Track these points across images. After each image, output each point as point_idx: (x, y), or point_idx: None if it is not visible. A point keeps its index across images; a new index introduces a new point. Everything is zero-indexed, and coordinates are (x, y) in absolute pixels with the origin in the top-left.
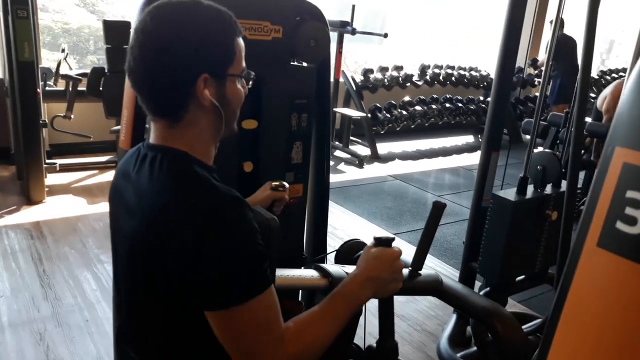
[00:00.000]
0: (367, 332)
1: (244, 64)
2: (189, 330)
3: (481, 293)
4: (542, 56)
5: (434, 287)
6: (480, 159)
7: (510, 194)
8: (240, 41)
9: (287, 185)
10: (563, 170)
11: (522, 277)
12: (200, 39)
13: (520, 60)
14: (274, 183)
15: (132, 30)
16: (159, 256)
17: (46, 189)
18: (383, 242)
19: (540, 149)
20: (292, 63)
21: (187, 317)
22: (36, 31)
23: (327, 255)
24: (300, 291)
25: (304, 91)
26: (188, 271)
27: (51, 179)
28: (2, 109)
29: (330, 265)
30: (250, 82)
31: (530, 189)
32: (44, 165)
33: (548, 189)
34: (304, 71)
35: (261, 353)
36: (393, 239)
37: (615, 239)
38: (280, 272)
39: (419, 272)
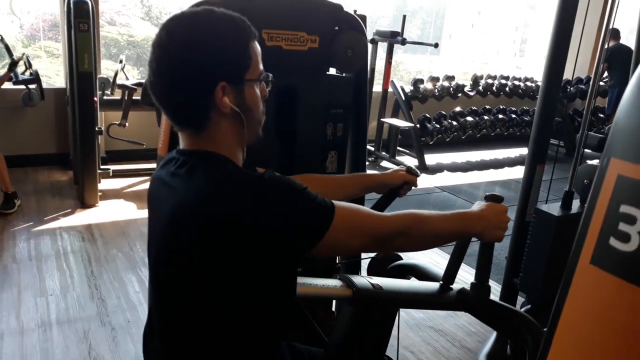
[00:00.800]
0: (401, 345)
1: (261, 67)
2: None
3: (522, 310)
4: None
5: (466, 302)
6: (524, 172)
7: (554, 208)
8: (256, 45)
9: (420, 173)
10: None
11: None
12: (215, 47)
13: (582, 71)
14: (409, 166)
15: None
16: (215, 241)
17: (99, 194)
18: (493, 198)
19: (596, 162)
20: (328, 73)
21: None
22: (96, 43)
23: (361, 261)
24: (334, 301)
25: (340, 101)
26: (270, 243)
27: (105, 184)
28: (64, 116)
29: (355, 276)
30: (270, 84)
31: (576, 203)
32: (98, 171)
33: None
34: (341, 80)
35: (373, 230)
36: (502, 198)
37: (608, 256)
38: (304, 281)
39: (450, 286)
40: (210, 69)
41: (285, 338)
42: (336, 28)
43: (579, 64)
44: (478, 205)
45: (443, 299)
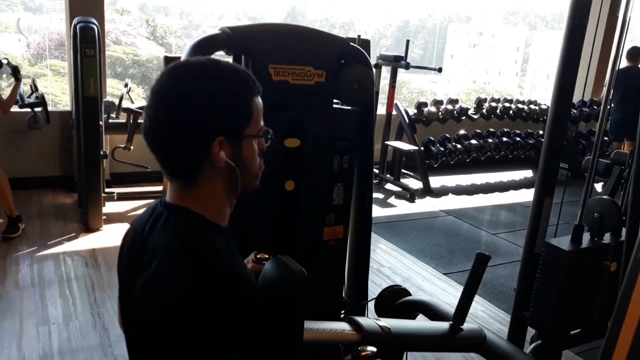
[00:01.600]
0: None
1: (262, 122)
2: None
3: (532, 346)
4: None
5: (477, 344)
6: (532, 203)
7: (564, 242)
8: (259, 100)
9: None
10: (624, 217)
11: (578, 330)
12: (216, 101)
13: (584, 92)
14: (258, 255)
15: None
16: (151, 320)
17: (104, 217)
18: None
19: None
20: (334, 105)
21: None
22: (102, 68)
23: (368, 303)
24: None
25: (345, 133)
26: (168, 335)
27: (109, 207)
28: (69, 139)
29: (363, 319)
30: (269, 141)
31: (586, 237)
32: (103, 195)
33: (606, 237)
34: (346, 113)
35: None
36: (373, 357)
37: None
38: (310, 325)
39: (461, 326)
40: (210, 123)
41: None
42: (342, 61)
43: (582, 86)
44: None
45: (454, 340)
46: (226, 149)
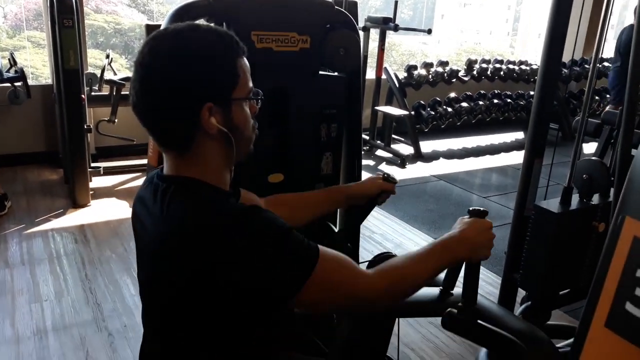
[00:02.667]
0: (401, 343)
1: (250, 84)
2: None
3: (522, 307)
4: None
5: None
6: (522, 166)
7: (553, 204)
8: (245, 61)
9: (396, 178)
10: (612, 178)
11: (567, 290)
12: (200, 67)
13: (577, 52)
14: (385, 173)
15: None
16: (190, 282)
17: (91, 192)
18: (477, 214)
19: (594, 145)
20: (321, 72)
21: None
22: (81, 39)
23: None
24: None
25: (333, 101)
26: (244, 283)
27: (96, 182)
28: (51, 114)
29: None
30: (259, 101)
31: (575, 198)
32: (89, 170)
33: (595, 198)
34: (334, 80)
35: (355, 293)
36: (487, 212)
37: (624, 321)
38: None
39: (451, 291)
40: (196, 90)
41: (285, 349)
42: (327, 26)
43: (572, 44)
44: (460, 224)
45: (444, 306)
46: (216, 114)
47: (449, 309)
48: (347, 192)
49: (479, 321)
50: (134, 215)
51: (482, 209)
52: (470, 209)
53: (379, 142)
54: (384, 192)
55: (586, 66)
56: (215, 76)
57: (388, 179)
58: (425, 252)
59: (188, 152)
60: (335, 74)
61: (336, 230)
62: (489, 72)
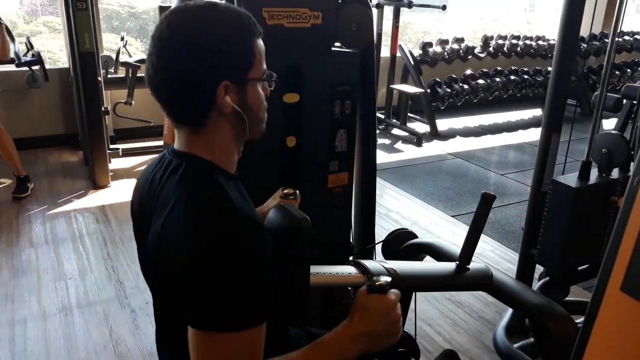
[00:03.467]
0: (419, 319)
1: (264, 65)
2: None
3: (540, 282)
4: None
5: (484, 283)
6: (539, 141)
7: (571, 179)
8: (260, 43)
9: (298, 193)
10: (632, 152)
11: (586, 266)
12: (218, 45)
13: (595, 26)
14: (284, 191)
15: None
16: (171, 266)
17: (110, 174)
18: (377, 289)
19: (613, 122)
20: (334, 48)
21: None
22: (96, 22)
23: (375, 246)
24: None
25: (346, 78)
26: (187, 283)
27: (115, 164)
28: (69, 96)
29: (369, 261)
30: (273, 84)
31: (594, 173)
32: (108, 151)
33: (614, 173)
34: (347, 57)
35: None
36: (387, 286)
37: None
38: (317, 270)
39: (467, 266)
40: (213, 68)
41: (300, 324)
42: (339, 1)
43: (590, 18)
44: (359, 306)
45: (461, 280)
46: (232, 93)
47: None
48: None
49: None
50: (137, 192)
51: (383, 281)
52: (369, 283)
53: (394, 120)
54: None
55: (606, 40)
56: (232, 55)
57: (287, 196)
58: (313, 357)
59: (201, 129)
60: (348, 50)
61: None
62: (505, 49)
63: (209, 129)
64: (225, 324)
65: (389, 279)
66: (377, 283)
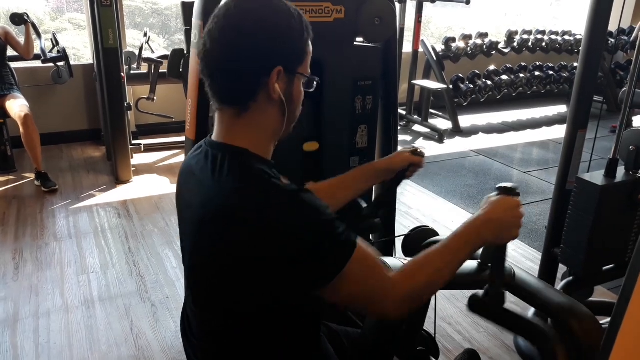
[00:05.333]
0: (438, 318)
1: (309, 69)
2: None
3: (563, 282)
4: None
5: (506, 281)
6: (565, 138)
7: (597, 177)
8: (310, 45)
9: (425, 152)
10: None
11: (612, 266)
12: (281, 31)
13: (624, 20)
14: (413, 146)
15: (211, 17)
16: (228, 258)
17: (132, 169)
18: (506, 191)
19: None
20: (356, 43)
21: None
22: (120, 18)
23: (396, 239)
24: None
25: (368, 73)
26: (280, 267)
27: (137, 159)
28: (93, 92)
29: (390, 259)
30: (313, 87)
31: (621, 171)
32: (130, 147)
33: None
34: (369, 51)
35: (376, 300)
36: (516, 189)
37: None
38: None
39: (489, 264)
40: (273, 50)
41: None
42: None
43: (619, 12)
44: (486, 204)
45: (482, 278)
46: (281, 82)
47: (474, 292)
48: (377, 167)
49: (505, 307)
50: (180, 184)
51: (510, 185)
52: (498, 185)
53: (416, 117)
54: (412, 165)
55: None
56: (292, 44)
57: (416, 152)
58: (451, 241)
59: (246, 112)
60: (371, 45)
61: (364, 206)
62: (530, 44)
63: (252, 113)
64: (343, 257)
65: (515, 185)
66: (502, 185)
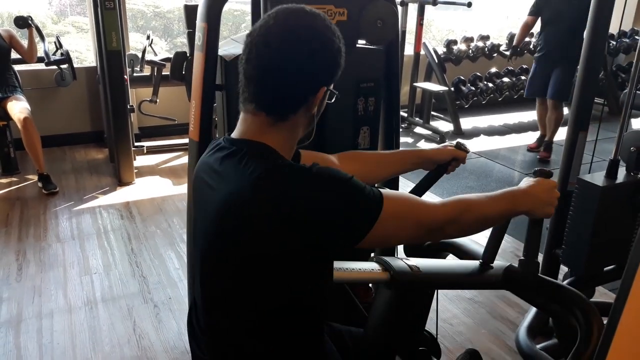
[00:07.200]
0: (440, 318)
1: None
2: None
3: (564, 283)
4: None
5: (507, 281)
6: (566, 139)
7: (598, 178)
8: None
9: (470, 149)
10: None
11: (613, 266)
12: (333, 53)
13: (625, 23)
14: (458, 141)
15: (263, 21)
16: (266, 232)
17: (135, 171)
18: (542, 174)
19: None
20: (358, 45)
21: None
22: (123, 21)
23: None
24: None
25: (370, 74)
26: (314, 233)
27: (140, 161)
28: (96, 95)
29: (392, 258)
30: (332, 98)
31: (622, 172)
32: (133, 149)
33: None
34: (371, 53)
35: (423, 220)
36: (552, 174)
37: None
38: (341, 265)
39: (491, 264)
40: (324, 71)
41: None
42: None
43: (620, 14)
44: (526, 182)
45: (484, 278)
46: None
47: (509, 264)
48: (420, 155)
49: (540, 275)
50: (197, 181)
51: (547, 169)
52: (536, 169)
53: (417, 119)
54: (454, 159)
55: (636, 37)
56: (335, 65)
57: (460, 147)
58: (493, 195)
59: (282, 122)
60: (373, 47)
61: None
62: (531, 46)
63: (288, 123)
64: (377, 208)
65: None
66: (540, 169)
